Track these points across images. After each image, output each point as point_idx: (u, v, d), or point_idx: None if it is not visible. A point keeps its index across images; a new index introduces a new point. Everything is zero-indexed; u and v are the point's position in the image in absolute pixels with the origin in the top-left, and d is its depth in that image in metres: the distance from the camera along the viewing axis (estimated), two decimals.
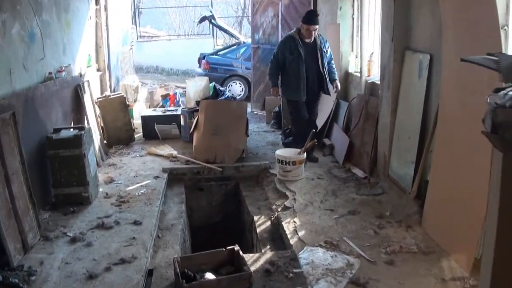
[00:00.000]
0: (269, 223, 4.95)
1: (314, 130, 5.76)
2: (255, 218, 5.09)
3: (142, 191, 5.41)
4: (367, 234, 4.31)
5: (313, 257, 3.90)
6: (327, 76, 6.26)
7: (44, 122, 5.01)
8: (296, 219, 4.68)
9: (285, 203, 5.16)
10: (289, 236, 4.35)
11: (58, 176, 4.90)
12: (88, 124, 6.20)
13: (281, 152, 5.91)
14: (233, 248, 3.69)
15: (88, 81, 6.61)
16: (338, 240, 4.19)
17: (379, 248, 4.02)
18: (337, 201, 5.09)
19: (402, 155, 5.08)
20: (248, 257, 3.90)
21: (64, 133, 4.95)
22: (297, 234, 4.36)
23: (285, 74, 6.26)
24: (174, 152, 6.73)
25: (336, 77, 6.41)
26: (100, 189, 5.46)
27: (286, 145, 7.17)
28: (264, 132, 8.41)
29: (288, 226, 4.56)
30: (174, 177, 6.17)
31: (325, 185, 5.61)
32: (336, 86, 6.39)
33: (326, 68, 6.26)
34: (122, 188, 5.52)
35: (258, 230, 4.81)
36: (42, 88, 4.99)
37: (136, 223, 4.56)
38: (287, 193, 5.44)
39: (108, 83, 8.15)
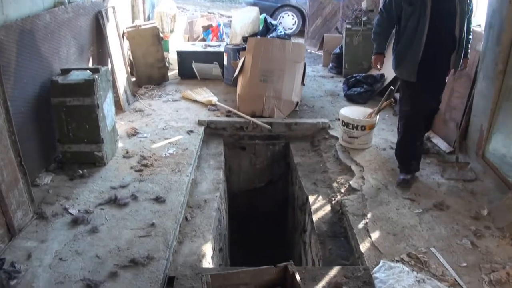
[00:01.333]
0: (329, 208, 3.82)
1: (392, 87, 4.43)
2: (311, 198, 3.97)
3: (171, 151, 4.34)
4: (461, 245, 3.15)
5: (393, 279, 2.79)
6: (464, 44, 3.78)
7: (49, 61, 3.92)
8: (366, 210, 3.53)
9: (350, 182, 3.99)
10: (358, 237, 3.22)
11: (65, 130, 3.87)
12: (111, 61, 5.08)
13: (347, 112, 4.65)
14: (286, 267, 2.60)
15: (113, 7, 5.41)
16: (425, 252, 3.05)
17: (480, 272, 2.90)
18: (418, 186, 3.88)
19: (511, 133, 3.77)
20: (304, 272, 2.82)
21: (73, 76, 3.85)
22: (369, 235, 3.23)
23: (400, 38, 3.78)
24: (214, 99, 5.58)
25: (469, 48, 3.94)
26: (120, 144, 4.43)
27: (348, 97, 5.90)
28: (320, 78, 7.09)
29: (356, 221, 3.42)
30: (212, 131, 5.07)
31: None
32: (463, 63, 3.95)
33: (465, 31, 3.74)
34: (147, 145, 4.47)
35: (314, 217, 3.70)
36: (46, 16, 3.84)
37: (158, 200, 3.52)
38: (353, 167, 4.25)
39: (141, 9, 6.91)
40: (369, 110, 4.72)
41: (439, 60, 3.74)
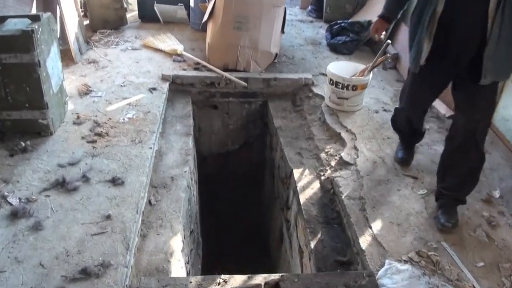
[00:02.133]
0: (317, 185, 3.30)
1: (389, 41, 3.81)
2: (295, 172, 3.43)
3: (130, 115, 3.66)
4: (475, 238, 2.72)
5: (403, 287, 2.33)
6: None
7: None
8: (363, 192, 3.03)
9: (341, 154, 3.46)
10: (356, 228, 2.73)
11: (2, 94, 3.13)
12: (59, 3, 4.22)
13: (335, 68, 4.03)
14: (278, 284, 2.08)
15: None
16: (435, 248, 2.60)
17: (499, 274, 2.49)
18: (418, 159, 3.39)
19: None
20: (296, 281, 2.31)
21: (9, 26, 3.07)
22: (369, 226, 2.74)
23: (416, 6, 2.64)
24: (180, 48, 4.83)
25: None
26: (71, 106, 3.71)
27: (332, 47, 5.26)
28: (299, 22, 6.36)
29: (352, 205, 2.92)
30: (178, 88, 4.37)
31: None
32: None
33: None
34: (102, 107, 3.76)
35: (301, 197, 3.17)
36: None
37: (115, 182, 2.90)
38: (343, 134, 3.70)
39: None
40: (360, 66, 4.11)
41: (461, 57, 2.53)
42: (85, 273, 2.25)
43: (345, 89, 3.88)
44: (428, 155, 3.44)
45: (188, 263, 3.19)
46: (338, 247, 2.81)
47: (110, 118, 3.59)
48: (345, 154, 3.44)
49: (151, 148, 3.27)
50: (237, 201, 4.89)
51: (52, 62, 3.28)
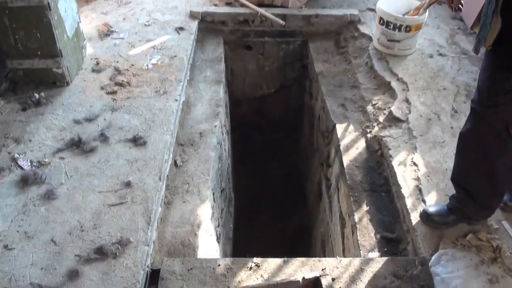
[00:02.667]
0: (363, 144, 2.92)
1: None
2: (339, 128, 3.05)
3: (155, 60, 3.30)
4: None
5: (459, 278, 2.02)
6: None
7: None
8: (416, 156, 2.64)
9: (391, 108, 3.04)
10: (408, 202, 2.38)
11: (11, 41, 2.82)
12: None
13: (386, 4, 3.49)
14: (318, 279, 1.79)
15: None
16: (496, 229, 2.23)
17: None
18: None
19: None
20: (338, 268, 2.02)
21: None
22: (423, 200, 2.40)
23: None
24: None
25: None
26: (90, 50, 3.38)
27: None
28: None
29: (403, 172, 2.55)
30: (208, 27, 3.94)
31: (453, 72, 3.36)
32: None
33: None
34: (124, 50, 3.41)
35: (344, 159, 2.82)
36: None
37: (136, 141, 2.61)
38: (393, 83, 3.26)
39: None
40: (414, 3, 3.55)
41: None
42: (101, 253, 2.03)
43: (397, 30, 3.37)
44: None
45: (218, 226, 2.96)
46: (385, 220, 2.48)
47: (132, 65, 3.24)
48: (395, 108, 3.02)
49: (177, 100, 2.94)
50: (272, 147, 4.58)
51: (65, 3, 2.92)
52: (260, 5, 3.95)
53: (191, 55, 3.46)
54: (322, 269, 1.88)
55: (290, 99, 4.39)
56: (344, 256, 2.64)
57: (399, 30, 3.36)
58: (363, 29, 3.86)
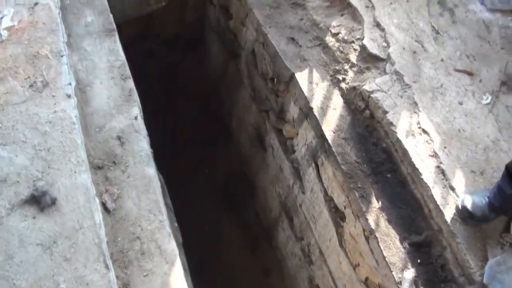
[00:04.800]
0: (339, 101, 2.23)
1: None
2: (299, 76, 2.27)
3: (8, 21, 1.98)
4: None
5: None
6: None
7: None
8: (421, 118, 2.06)
9: (363, 41, 2.29)
10: (435, 194, 1.87)
11: None
12: None
13: None
14: None
15: None
16: None
17: None
18: (462, 35, 2.37)
19: None
20: None
21: None
22: (451, 186, 1.88)
23: None
24: None
25: None
26: None
27: None
28: None
29: (415, 148, 1.98)
30: None
31: None
32: None
33: None
34: None
35: (324, 127, 2.12)
36: None
37: (39, 201, 1.58)
38: (353, 1, 2.45)
39: None
40: None
41: None
42: None
43: None
44: (470, 24, 2.41)
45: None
46: (404, 215, 1.97)
47: None
48: (368, 41, 2.29)
49: (69, 95, 1.84)
50: (170, 72, 3.58)
51: None
52: None
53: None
54: None
55: (186, 11, 3.31)
56: (354, 270, 2.12)
57: None
58: None
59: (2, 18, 1.99)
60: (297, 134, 2.41)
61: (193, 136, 3.62)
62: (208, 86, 3.54)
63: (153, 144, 2.02)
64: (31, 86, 1.83)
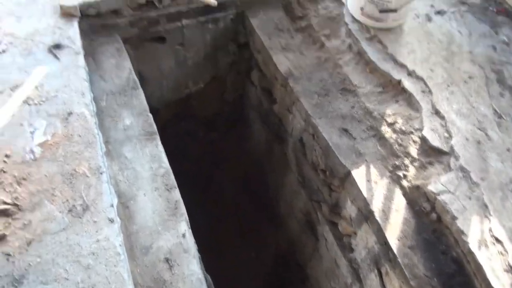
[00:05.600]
0: (402, 202, 2.03)
1: None
2: (356, 174, 2.10)
3: (41, 136, 1.91)
4: None
5: None
6: None
7: None
8: (493, 224, 1.85)
9: (422, 132, 2.12)
10: None
11: None
12: None
13: None
14: None
15: None
16: None
17: None
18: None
19: None
20: None
21: None
22: None
23: None
24: None
25: None
26: None
27: None
28: None
29: (490, 261, 1.77)
30: (94, 24, 2.49)
31: (464, 41, 2.49)
32: None
33: None
34: None
35: (387, 233, 1.93)
36: None
37: None
38: (405, 82, 2.29)
39: None
40: None
41: None
42: None
43: None
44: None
45: None
46: None
47: (7, 155, 1.86)
48: (428, 132, 2.11)
49: (112, 220, 1.72)
50: (211, 150, 3.48)
51: None
52: None
53: (92, 102, 2.11)
54: None
55: (225, 91, 3.23)
56: None
57: None
58: None
59: (34, 132, 1.91)
60: (355, 233, 2.22)
61: (235, 216, 3.48)
62: (250, 164, 3.41)
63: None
64: (70, 210, 1.72)
